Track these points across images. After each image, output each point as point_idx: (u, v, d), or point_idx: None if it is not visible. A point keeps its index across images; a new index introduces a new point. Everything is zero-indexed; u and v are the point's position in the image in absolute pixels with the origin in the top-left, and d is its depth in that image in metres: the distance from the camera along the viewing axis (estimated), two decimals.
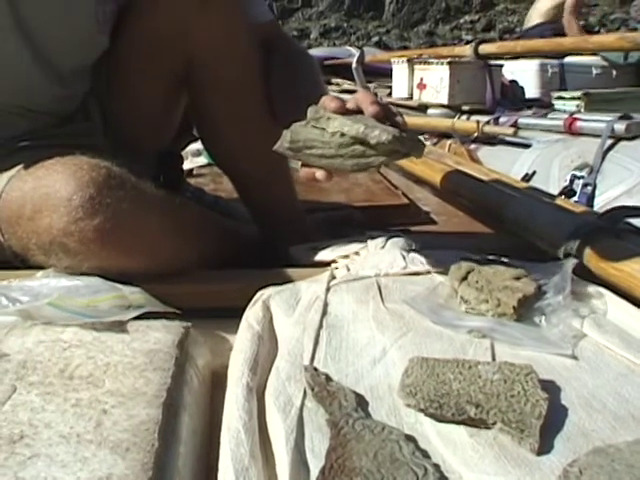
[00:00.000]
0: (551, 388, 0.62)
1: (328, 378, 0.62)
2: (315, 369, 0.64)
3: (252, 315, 0.75)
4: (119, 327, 0.73)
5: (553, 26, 4.33)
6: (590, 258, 0.95)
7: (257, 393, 0.62)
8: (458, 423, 0.56)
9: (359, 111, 0.85)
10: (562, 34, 4.06)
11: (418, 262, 0.89)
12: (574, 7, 4.14)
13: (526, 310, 0.76)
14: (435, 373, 0.61)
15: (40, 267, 0.95)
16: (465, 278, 0.80)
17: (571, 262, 0.85)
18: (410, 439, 0.54)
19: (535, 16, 4.55)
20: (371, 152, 0.79)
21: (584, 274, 0.92)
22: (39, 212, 0.88)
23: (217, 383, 0.70)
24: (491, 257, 0.93)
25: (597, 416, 0.59)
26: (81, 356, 0.66)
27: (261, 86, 1.13)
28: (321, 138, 0.82)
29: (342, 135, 0.80)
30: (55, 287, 0.84)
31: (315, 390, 0.60)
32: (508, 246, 1.13)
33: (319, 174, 0.85)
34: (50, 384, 0.61)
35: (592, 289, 0.86)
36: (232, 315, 0.81)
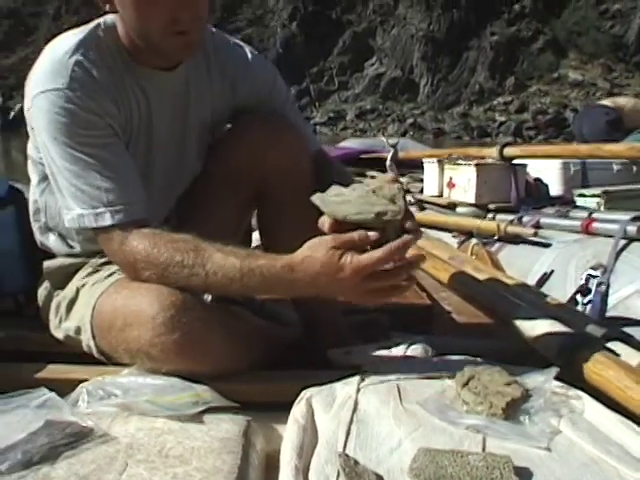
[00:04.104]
0: (525, 474, 0.82)
1: (356, 462, 0.83)
2: (347, 455, 0.85)
3: (298, 411, 0.97)
4: (198, 419, 0.96)
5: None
6: (576, 365, 1.15)
7: (303, 473, 0.83)
8: None
9: None
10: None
11: (432, 368, 1.11)
12: None
13: (514, 410, 0.96)
14: (435, 460, 0.81)
15: (120, 363, 1.18)
16: (467, 383, 1.01)
17: (554, 370, 1.05)
18: None
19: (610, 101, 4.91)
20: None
21: (572, 377, 1.11)
22: (129, 325, 1.12)
23: (271, 464, 0.92)
24: (493, 362, 1.14)
25: None
26: (172, 441, 0.89)
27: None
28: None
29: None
30: (142, 384, 1.08)
31: (346, 471, 0.81)
32: (513, 349, 1.34)
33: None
34: (152, 461, 0.83)
35: (573, 392, 1.06)
36: (282, 408, 1.03)
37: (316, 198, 1.09)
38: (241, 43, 1.45)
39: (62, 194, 1.22)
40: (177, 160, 1.38)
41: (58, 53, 1.21)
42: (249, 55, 1.42)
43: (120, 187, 1.19)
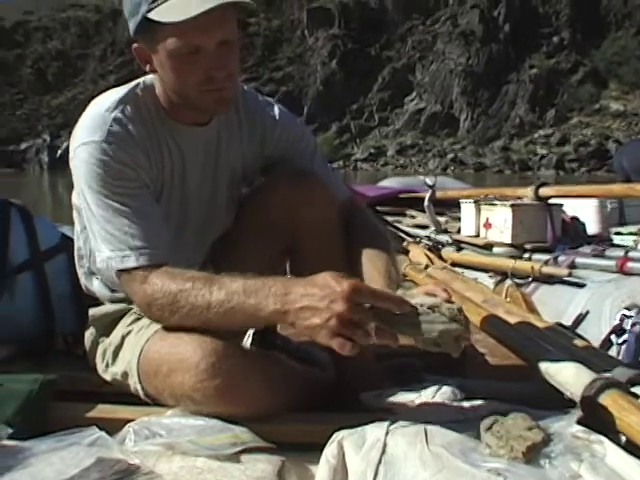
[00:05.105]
0: None
1: None
2: None
3: (330, 452, 1.03)
4: (235, 458, 1.03)
5: None
6: (599, 409, 1.18)
7: None
8: None
9: None
10: None
11: (458, 412, 1.16)
12: None
13: (535, 454, 1.01)
14: None
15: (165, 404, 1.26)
16: (490, 427, 1.06)
17: (576, 414, 1.09)
18: None
19: None
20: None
21: (594, 421, 1.15)
22: (174, 371, 1.21)
23: None
24: (517, 406, 1.18)
25: None
26: (211, 479, 0.96)
27: (344, 253, 1.46)
28: None
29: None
30: (185, 425, 1.15)
31: None
32: (539, 393, 1.38)
33: None
34: None
35: (595, 437, 1.09)
36: (314, 449, 1.09)
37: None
38: (270, 100, 1.57)
39: (94, 237, 1.33)
40: (209, 208, 1.48)
41: (99, 109, 1.34)
42: (277, 111, 1.53)
43: (146, 233, 1.29)
